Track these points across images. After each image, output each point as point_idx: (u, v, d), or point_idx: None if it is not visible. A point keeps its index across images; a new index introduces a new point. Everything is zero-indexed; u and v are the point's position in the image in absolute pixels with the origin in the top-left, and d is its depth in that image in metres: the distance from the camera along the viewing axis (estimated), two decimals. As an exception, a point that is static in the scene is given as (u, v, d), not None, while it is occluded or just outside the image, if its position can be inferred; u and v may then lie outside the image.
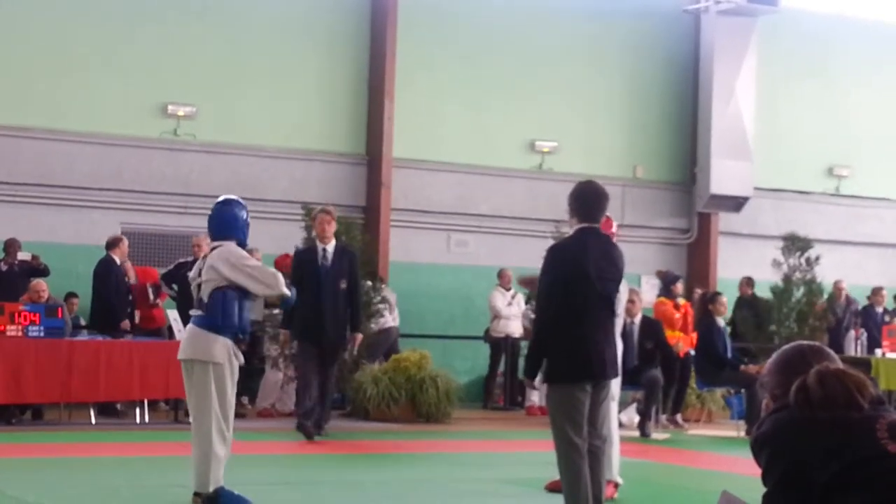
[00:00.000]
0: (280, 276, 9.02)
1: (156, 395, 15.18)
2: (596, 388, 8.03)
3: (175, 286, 16.50)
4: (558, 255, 8.11)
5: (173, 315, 15.22)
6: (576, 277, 7.93)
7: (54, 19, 17.95)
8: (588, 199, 8.20)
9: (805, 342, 3.85)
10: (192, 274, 9.17)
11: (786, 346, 3.85)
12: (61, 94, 17.99)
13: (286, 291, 9.02)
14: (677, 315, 16.95)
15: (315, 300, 13.36)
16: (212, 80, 18.80)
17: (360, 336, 14.29)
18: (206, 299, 8.85)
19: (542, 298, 8.21)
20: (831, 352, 3.79)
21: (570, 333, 7.91)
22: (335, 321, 13.58)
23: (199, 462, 8.76)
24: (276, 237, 17.60)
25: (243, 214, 9.07)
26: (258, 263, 9.05)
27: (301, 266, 13.77)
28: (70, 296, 16.67)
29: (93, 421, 14.51)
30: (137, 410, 14.92)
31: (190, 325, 8.99)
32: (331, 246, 13.72)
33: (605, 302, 8.08)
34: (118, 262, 16.06)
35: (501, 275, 19.04)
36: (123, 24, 18.33)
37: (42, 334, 14.13)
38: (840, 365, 3.68)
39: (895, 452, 3.40)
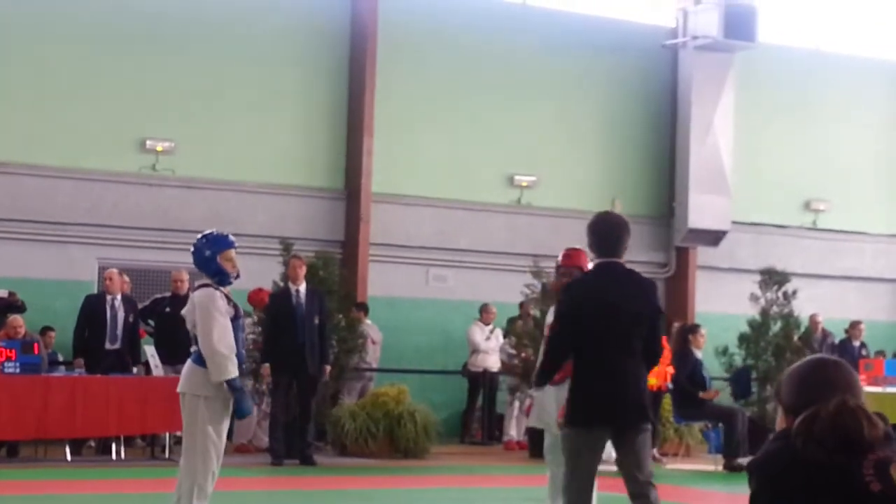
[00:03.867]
0: (218, 357, 8.74)
1: (132, 432, 15.10)
2: (624, 432, 7.61)
3: (151, 322, 16.43)
4: (573, 293, 7.77)
5: (150, 351, 15.16)
6: (587, 318, 7.56)
7: (32, 53, 17.95)
8: (601, 231, 7.75)
9: (828, 357, 3.68)
10: (185, 310, 9.17)
11: (821, 360, 3.66)
12: (39, 128, 17.97)
13: (215, 350, 8.75)
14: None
15: (295, 337, 14.89)
16: (190, 116, 18.80)
17: (328, 368, 15.48)
18: (193, 334, 8.92)
19: (553, 335, 7.94)
20: (851, 370, 3.62)
21: (586, 376, 7.55)
22: (313, 354, 15.01)
23: (185, 494, 8.77)
24: (253, 272, 17.47)
25: (213, 250, 9.04)
26: (216, 319, 8.86)
27: (277, 307, 15.19)
28: (46, 330, 16.58)
29: (68, 457, 14.41)
30: (114, 446, 14.84)
31: (188, 360, 9.00)
32: (302, 287, 15.22)
33: (623, 341, 7.59)
34: (108, 297, 15.88)
35: (485, 310, 18.95)
36: (102, 59, 18.32)
37: (18, 370, 14.06)
38: (859, 387, 3.54)
39: (878, 491, 3.30)
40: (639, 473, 7.62)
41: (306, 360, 14.91)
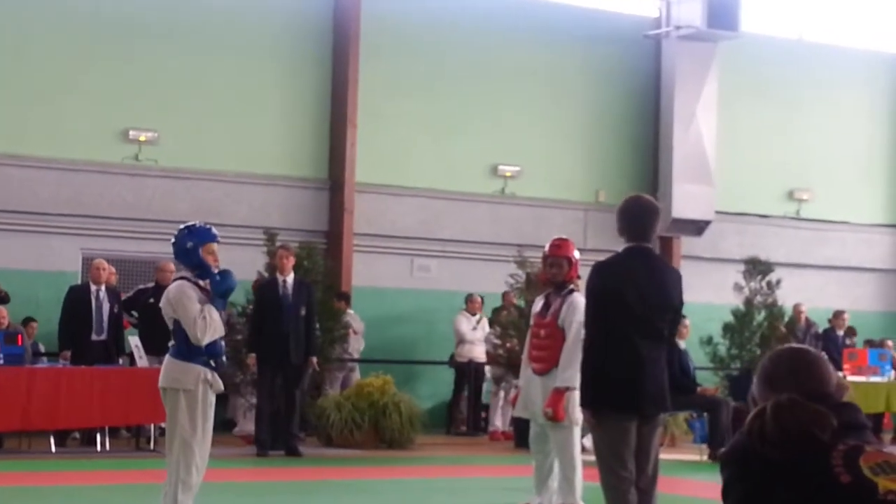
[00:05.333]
0: (204, 327, 8.70)
1: (117, 423, 15.07)
2: (642, 422, 7.44)
3: (135, 313, 16.37)
4: (601, 275, 7.49)
5: (134, 342, 15.11)
6: (614, 302, 7.33)
7: (14, 44, 17.86)
8: (631, 215, 7.59)
9: (797, 348, 3.67)
10: (161, 303, 9.13)
11: (778, 351, 3.65)
12: (22, 118, 17.88)
13: (202, 341, 8.73)
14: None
15: (279, 328, 14.89)
16: (174, 106, 18.73)
17: (314, 359, 15.45)
18: (171, 327, 8.86)
19: (586, 320, 7.59)
20: (824, 360, 3.63)
21: (607, 363, 7.33)
22: (297, 346, 15.00)
23: (171, 488, 8.74)
24: (237, 263, 17.24)
25: (195, 242, 8.97)
26: (190, 310, 8.76)
27: (263, 297, 15.27)
28: (28, 321, 16.51)
29: (53, 449, 14.37)
30: (98, 437, 14.80)
31: (167, 354, 8.96)
32: (290, 278, 15.19)
33: (648, 330, 7.38)
34: (93, 288, 15.80)
35: (471, 300, 18.98)
36: (85, 49, 18.25)
37: (1, 362, 14.02)
38: (831, 374, 3.55)
39: (847, 483, 3.28)
40: (647, 466, 7.51)
41: (290, 350, 14.92)
